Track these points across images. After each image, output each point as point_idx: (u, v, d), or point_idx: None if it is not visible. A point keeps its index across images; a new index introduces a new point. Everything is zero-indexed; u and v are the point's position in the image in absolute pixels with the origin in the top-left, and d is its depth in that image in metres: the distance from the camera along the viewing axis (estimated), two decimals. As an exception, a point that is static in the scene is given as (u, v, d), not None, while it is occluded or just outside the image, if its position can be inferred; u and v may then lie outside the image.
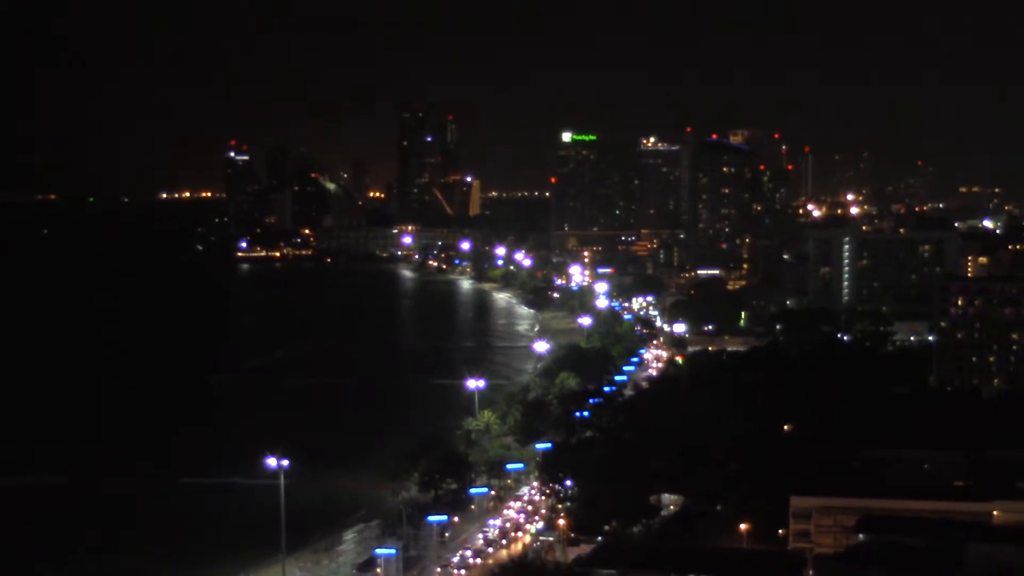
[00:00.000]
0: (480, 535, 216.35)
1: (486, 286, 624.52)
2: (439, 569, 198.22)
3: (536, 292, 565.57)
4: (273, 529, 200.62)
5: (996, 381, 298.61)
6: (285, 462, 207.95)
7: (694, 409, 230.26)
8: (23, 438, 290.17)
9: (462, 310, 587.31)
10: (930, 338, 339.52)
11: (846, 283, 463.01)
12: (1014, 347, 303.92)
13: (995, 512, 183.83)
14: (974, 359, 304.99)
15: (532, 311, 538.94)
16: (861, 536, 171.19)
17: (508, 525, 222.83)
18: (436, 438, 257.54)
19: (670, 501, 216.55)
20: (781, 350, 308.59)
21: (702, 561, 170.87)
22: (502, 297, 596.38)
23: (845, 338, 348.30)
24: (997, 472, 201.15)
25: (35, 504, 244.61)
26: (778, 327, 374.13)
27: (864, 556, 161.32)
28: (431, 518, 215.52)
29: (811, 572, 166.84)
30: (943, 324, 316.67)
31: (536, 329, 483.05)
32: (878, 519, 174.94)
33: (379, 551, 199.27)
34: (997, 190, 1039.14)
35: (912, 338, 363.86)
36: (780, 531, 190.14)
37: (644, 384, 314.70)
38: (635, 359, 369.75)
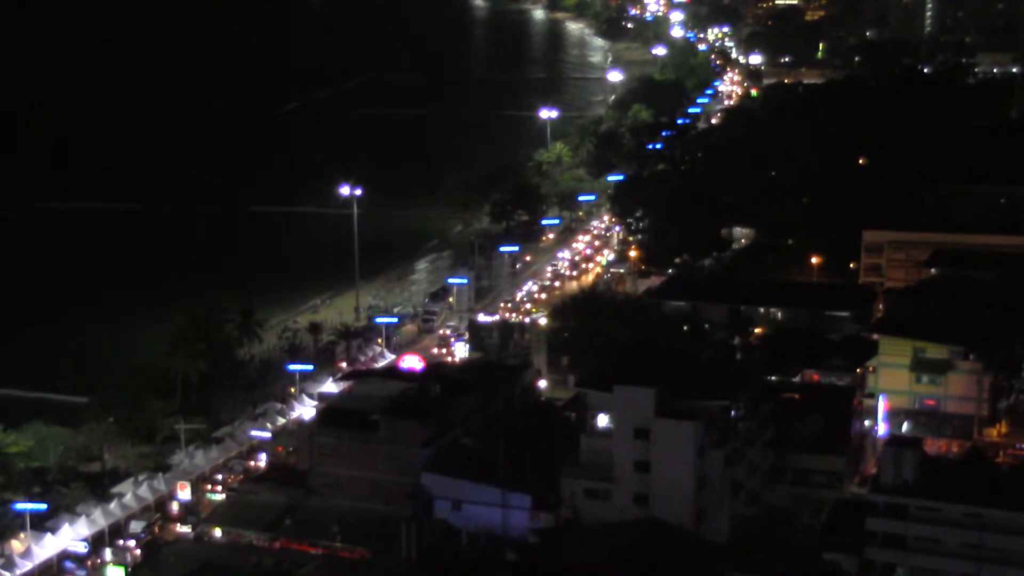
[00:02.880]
0: (551, 266, 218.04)
1: (559, 16, 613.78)
2: (509, 298, 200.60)
3: (610, 22, 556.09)
4: (346, 258, 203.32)
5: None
6: (358, 191, 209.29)
7: (768, 142, 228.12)
8: (106, 166, 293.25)
9: (535, 40, 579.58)
10: (1014, 70, 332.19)
11: (929, 13, 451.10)
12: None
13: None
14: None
15: (606, 42, 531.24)
16: (932, 270, 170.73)
17: (579, 257, 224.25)
18: (507, 169, 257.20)
19: (741, 234, 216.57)
20: (859, 83, 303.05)
21: (772, 294, 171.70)
22: (575, 27, 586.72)
23: (926, 70, 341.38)
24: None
25: (114, 227, 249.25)
26: (856, 59, 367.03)
27: (934, 290, 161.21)
28: (502, 248, 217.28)
29: (881, 305, 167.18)
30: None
31: (610, 60, 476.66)
32: (950, 253, 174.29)
33: (451, 280, 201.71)
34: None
35: (995, 70, 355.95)
36: (851, 264, 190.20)
37: (718, 117, 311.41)
38: (709, 91, 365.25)
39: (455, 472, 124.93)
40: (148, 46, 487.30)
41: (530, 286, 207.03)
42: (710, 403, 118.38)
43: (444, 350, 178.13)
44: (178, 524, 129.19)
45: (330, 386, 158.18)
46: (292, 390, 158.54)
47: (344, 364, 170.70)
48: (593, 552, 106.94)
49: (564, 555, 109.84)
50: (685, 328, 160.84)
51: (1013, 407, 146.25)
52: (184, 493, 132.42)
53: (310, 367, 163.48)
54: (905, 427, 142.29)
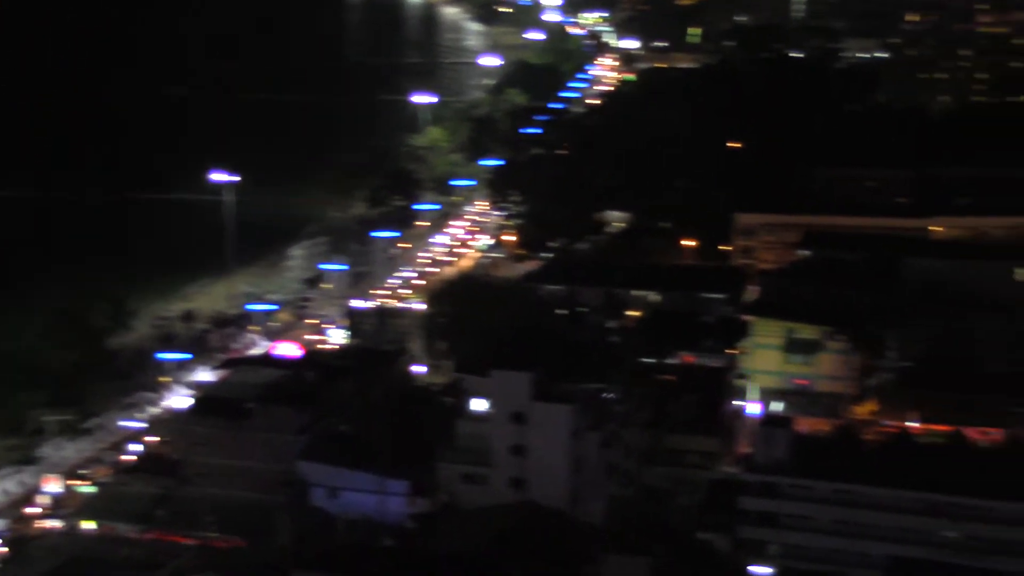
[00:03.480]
0: (427, 252, 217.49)
1: (435, 0, 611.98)
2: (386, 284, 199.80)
3: (486, 7, 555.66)
4: (221, 244, 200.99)
5: (944, 98, 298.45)
6: (233, 177, 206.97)
7: (643, 126, 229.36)
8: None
9: (410, 25, 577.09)
10: (881, 55, 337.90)
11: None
12: (963, 63, 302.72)
13: (933, 228, 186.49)
14: (923, 76, 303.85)
15: (482, 26, 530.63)
16: (803, 252, 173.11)
17: (455, 242, 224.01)
18: (383, 154, 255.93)
19: (617, 218, 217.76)
20: (732, 67, 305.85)
21: (647, 277, 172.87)
22: (451, 12, 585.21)
23: (796, 55, 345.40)
24: (939, 189, 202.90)
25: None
26: (729, 44, 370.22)
27: (805, 271, 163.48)
28: (379, 234, 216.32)
29: (754, 287, 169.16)
30: (894, 41, 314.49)
31: (485, 44, 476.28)
32: (820, 235, 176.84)
33: (327, 266, 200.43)
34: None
35: (863, 55, 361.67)
36: (725, 247, 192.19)
37: (594, 101, 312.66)
38: (585, 75, 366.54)
39: (331, 459, 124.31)
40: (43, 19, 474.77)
41: (407, 272, 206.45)
42: (586, 386, 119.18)
43: (320, 337, 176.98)
44: (46, 518, 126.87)
45: (204, 375, 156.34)
46: (165, 379, 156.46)
47: (219, 352, 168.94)
48: (470, 537, 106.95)
49: (441, 540, 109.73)
50: (561, 312, 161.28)
51: (881, 385, 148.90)
52: (53, 486, 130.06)
53: (184, 356, 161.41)
54: (777, 407, 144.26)
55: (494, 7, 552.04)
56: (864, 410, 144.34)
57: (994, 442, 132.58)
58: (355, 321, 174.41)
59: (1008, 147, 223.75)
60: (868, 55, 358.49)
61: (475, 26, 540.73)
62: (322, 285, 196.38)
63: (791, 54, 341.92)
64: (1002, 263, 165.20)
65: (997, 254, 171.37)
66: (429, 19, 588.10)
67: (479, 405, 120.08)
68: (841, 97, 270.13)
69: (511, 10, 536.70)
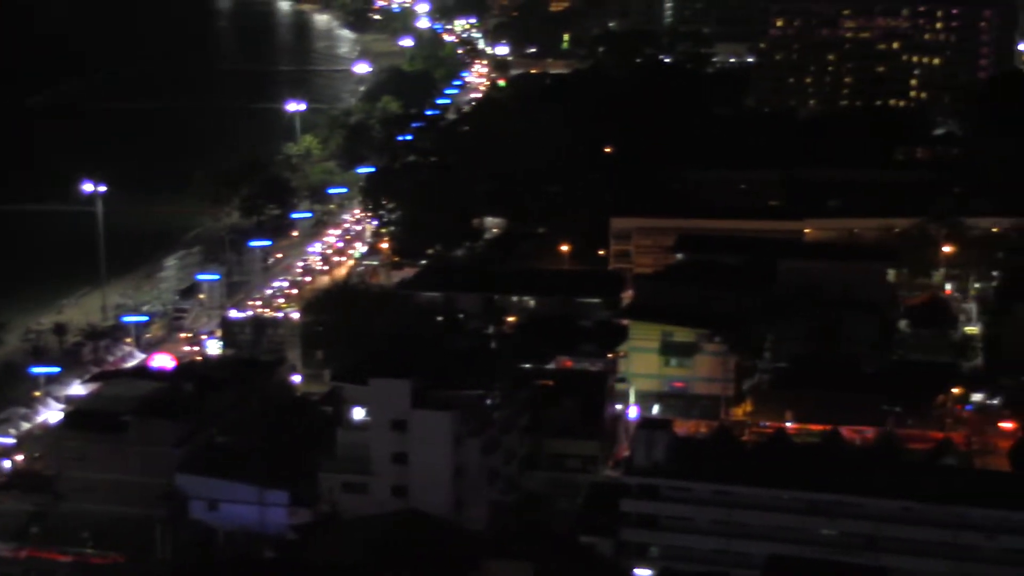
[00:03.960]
0: (303, 260, 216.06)
1: (305, 7, 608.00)
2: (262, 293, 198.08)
3: (357, 14, 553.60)
4: (93, 256, 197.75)
5: (812, 102, 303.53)
6: (102, 188, 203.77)
7: (517, 132, 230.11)
8: None
9: (281, 32, 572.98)
10: (750, 59, 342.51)
11: (669, 3, 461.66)
12: (829, 68, 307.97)
13: (807, 230, 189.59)
14: (791, 80, 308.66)
15: (353, 33, 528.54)
16: (678, 255, 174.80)
17: (331, 250, 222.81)
18: (257, 163, 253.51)
19: (493, 224, 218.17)
20: (604, 72, 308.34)
21: (525, 282, 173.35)
22: (322, 19, 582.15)
23: (667, 60, 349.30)
24: (810, 191, 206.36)
25: None
26: (601, 49, 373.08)
27: (681, 274, 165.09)
28: (253, 243, 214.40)
29: (630, 290, 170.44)
30: (762, 45, 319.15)
31: (357, 52, 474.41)
32: (695, 238, 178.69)
33: (201, 276, 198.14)
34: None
35: (732, 60, 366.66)
36: (601, 251, 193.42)
37: (467, 107, 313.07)
38: (458, 82, 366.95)
39: (210, 471, 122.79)
40: None
41: (282, 281, 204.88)
42: (466, 392, 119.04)
43: (195, 348, 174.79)
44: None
45: (77, 388, 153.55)
46: (37, 394, 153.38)
47: (92, 365, 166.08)
48: (351, 546, 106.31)
49: (322, 550, 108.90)
50: (439, 319, 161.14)
51: (757, 387, 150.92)
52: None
53: (56, 369, 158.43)
54: (655, 409, 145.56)
55: (366, 14, 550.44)
56: (741, 411, 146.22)
57: (867, 440, 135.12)
58: (231, 331, 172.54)
59: (874, 150, 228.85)
60: (737, 59, 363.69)
61: (347, 33, 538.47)
62: (198, 295, 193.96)
63: (662, 59, 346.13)
64: (873, 264, 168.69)
65: (868, 255, 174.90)
66: (300, 26, 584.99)
67: (358, 414, 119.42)
68: (712, 101, 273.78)
69: (382, 17, 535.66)
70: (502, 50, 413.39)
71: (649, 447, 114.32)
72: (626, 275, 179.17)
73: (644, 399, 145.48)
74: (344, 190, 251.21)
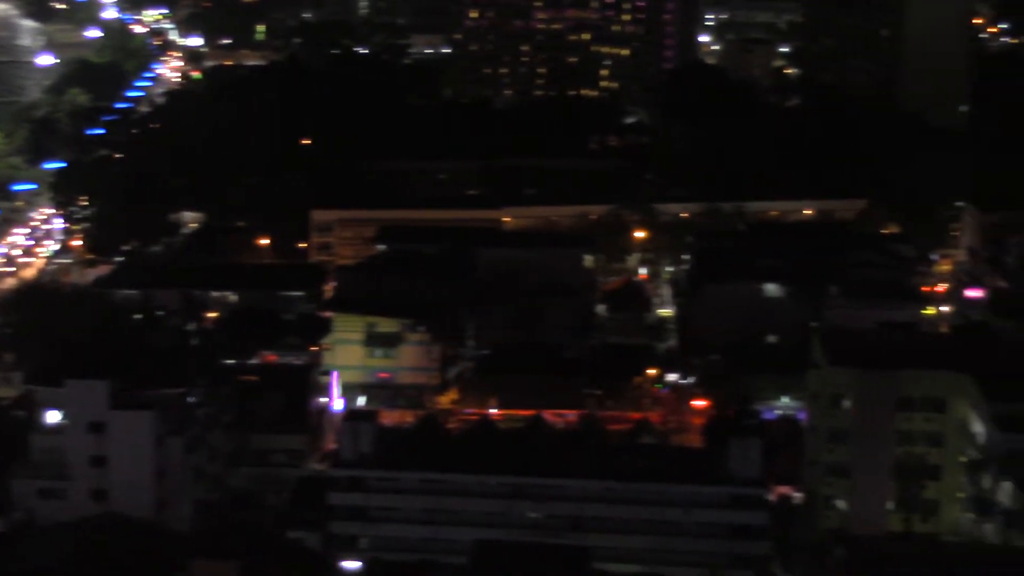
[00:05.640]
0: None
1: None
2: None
3: (39, 3, 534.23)
4: None
5: (507, 92, 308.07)
6: None
7: (214, 125, 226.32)
8: None
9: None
10: (446, 50, 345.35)
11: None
12: (523, 59, 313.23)
13: (505, 218, 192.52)
14: (487, 71, 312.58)
15: (36, 23, 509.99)
16: (380, 246, 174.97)
17: (18, 250, 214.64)
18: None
19: (191, 218, 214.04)
20: (300, 64, 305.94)
21: (225, 277, 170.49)
22: (1, 8, 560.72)
23: (363, 51, 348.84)
24: (507, 180, 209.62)
25: None
26: (296, 40, 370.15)
27: (382, 265, 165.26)
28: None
29: (333, 283, 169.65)
30: (457, 36, 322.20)
31: (40, 43, 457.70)
32: (395, 229, 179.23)
33: None
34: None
35: (428, 51, 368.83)
36: (302, 244, 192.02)
37: (161, 100, 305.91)
38: (150, 74, 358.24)
39: None
40: None
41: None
42: (166, 391, 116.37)
43: None
44: None
45: None
46: None
47: None
48: (48, 554, 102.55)
49: (17, 560, 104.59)
50: (137, 317, 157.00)
51: (461, 375, 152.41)
52: None
53: None
54: (361, 401, 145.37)
55: (48, 4, 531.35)
56: (447, 399, 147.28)
57: (570, 423, 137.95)
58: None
59: (569, 139, 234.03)
60: (434, 50, 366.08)
61: (29, 23, 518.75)
62: None
63: (358, 50, 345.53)
64: (570, 250, 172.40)
65: (565, 241, 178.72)
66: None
67: (53, 417, 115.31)
68: (409, 92, 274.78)
69: (66, 7, 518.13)
70: (195, 41, 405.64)
71: (355, 439, 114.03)
72: (328, 267, 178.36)
73: (349, 391, 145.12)
74: (32, 186, 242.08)
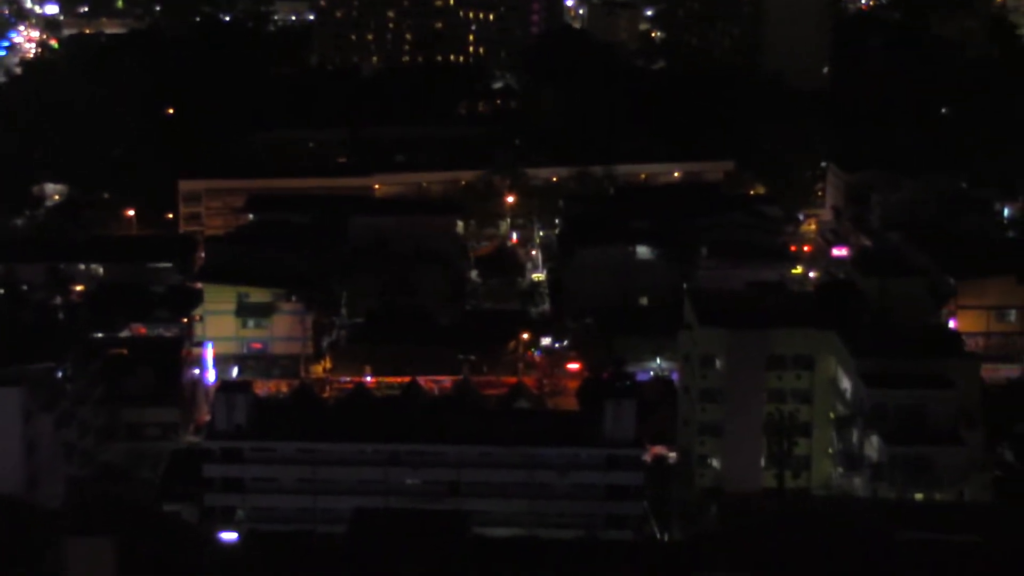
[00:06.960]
0: None
1: None
2: None
3: None
4: None
5: (375, 59, 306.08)
6: None
7: (74, 95, 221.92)
8: None
9: None
10: (310, 17, 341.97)
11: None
12: (391, 25, 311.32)
13: (376, 185, 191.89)
14: (353, 37, 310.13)
15: None
16: (249, 216, 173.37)
17: None
18: None
19: (54, 191, 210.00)
20: (161, 33, 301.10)
21: (91, 249, 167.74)
22: None
23: (226, 19, 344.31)
24: (377, 147, 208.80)
25: None
26: (157, 8, 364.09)
27: (252, 235, 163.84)
28: None
29: (203, 253, 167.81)
30: (322, 3, 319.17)
31: None
32: (265, 198, 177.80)
33: None
34: None
35: (293, 17, 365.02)
36: (169, 215, 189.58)
37: (18, 71, 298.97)
38: (5, 43, 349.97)
39: None
40: None
41: None
42: (34, 366, 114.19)
43: None
44: None
45: None
46: None
47: None
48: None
49: None
50: (0, 291, 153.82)
51: (335, 343, 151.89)
52: None
53: None
54: (235, 372, 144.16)
55: None
56: (321, 368, 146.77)
57: (445, 389, 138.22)
58: None
59: (437, 105, 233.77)
60: (298, 17, 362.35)
61: None
62: None
63: (221, 17, 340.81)
64: (441, 217, 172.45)
65: (436, 208, 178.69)
66: None
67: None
68: (274, 60, 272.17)
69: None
70: (52, 8, 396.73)
71: (230, 410, 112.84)
72: (198, 238, 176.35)
73: (223, 362, 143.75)
74: None
